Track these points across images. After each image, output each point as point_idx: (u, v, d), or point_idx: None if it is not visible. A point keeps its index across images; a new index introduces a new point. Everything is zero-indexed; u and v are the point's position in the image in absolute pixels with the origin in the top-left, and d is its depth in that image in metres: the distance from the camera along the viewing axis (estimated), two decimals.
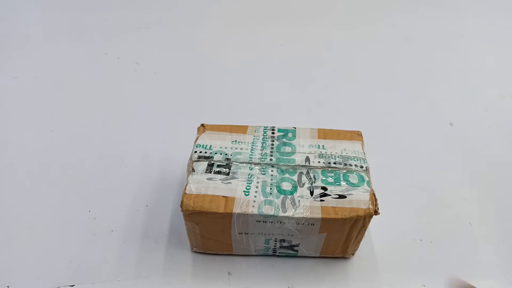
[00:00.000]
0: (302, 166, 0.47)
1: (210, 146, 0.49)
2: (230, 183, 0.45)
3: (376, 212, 0.44)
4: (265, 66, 0.80)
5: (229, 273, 0.49)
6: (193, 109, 0.70)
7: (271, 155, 0.48)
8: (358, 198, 0.44)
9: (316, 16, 0.93)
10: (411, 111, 0.71)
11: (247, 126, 0.51)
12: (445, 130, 0.68)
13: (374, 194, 0.45)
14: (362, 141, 0.51)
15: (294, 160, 0.47)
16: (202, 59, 0.80)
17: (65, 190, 0.58)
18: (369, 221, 0.44)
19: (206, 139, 0.49)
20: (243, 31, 0.88)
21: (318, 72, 0.79)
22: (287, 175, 0.46)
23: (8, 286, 0.48)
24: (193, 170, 0.46)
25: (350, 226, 0.44)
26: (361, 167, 0.47)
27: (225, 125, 0.51)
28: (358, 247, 0.49)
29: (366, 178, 0.46)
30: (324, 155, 0.48)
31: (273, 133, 0.51)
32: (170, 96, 0.73)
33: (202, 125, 0.51)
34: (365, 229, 0.46)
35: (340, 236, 0.46)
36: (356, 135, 0.51)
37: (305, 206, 0.43)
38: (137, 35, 0.86)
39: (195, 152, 0.48)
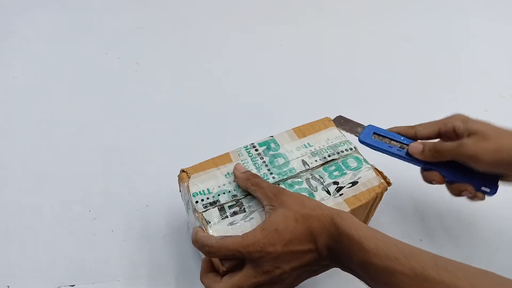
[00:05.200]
0: (304, 171, 0.46)
1: (208, 189, 0.44)
2: (253, 217, 0.41)
3: (389, 183, 0.45)
4: (265, 66, 0.80)
5: None
6: (193, 108, 0.70)
7: (271, 173, 0.46)
8: (368, 178, 0.46)
9: (316, 16, 0.93)
10: (411, 111, 0.71)
11: (228, 154, 0.47)
12: None
13: (376, 168, 0.47)
14: (334, 124, 0.52)
15: (294, 168, 0.46)
16: (202, 59, 0.80)
17: (65, 190, 0.58)
18: (383, 194, 0.46)
19: (198, 183, 0.44)
20: (243, 31, 0.88)
21: (318, 72, 0.79)
22: (297, 187, 0.45)
23: (8, 286, 0.48)
24: (208, 222, 0.41)
25: (371, 205, 0.46)
26: (351, 149, 0.48)
27: (207, 161, 0.46)
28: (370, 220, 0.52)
29: (361, 157, 0.48)
30: (315, 152, 0.48)
31: (256, 150, 0.48)
32: (170, 96, 0.73)
33: (183, 170, 0.45)
34: (379, 202, 0.48)
35: (362, 216, 0.48)
36: (328, 122, 0.52)
37: (330, 206, 0.42)
38: (137, 35, 0.86)
39: (197, 202, 0.42)
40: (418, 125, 0.49)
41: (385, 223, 0.54)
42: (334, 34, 0.88)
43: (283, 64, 0.80)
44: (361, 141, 0.50)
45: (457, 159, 0.44)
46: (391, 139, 0.50)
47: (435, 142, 0.46)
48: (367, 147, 0.50)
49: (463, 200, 0.57)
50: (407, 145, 0.48)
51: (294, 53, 0.83)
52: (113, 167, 0.61)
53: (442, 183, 0.47)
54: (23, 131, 0.66)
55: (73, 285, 0.48)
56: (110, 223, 0.54)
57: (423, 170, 0.48)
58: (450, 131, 0.46)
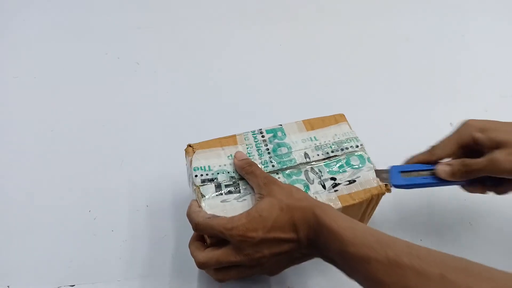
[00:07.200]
0: (304, 163, 0.47)
1: (209, 166, 0.46)
2: (245, 199, 0.43)
3: (388, 190, 0.45)
4: (265, 66, 0.80)
5: None
6: (193, 108, 0.70)
7: (271, 161, 0.47)
8: (366, 178, 0.46)
9: (316, 16, 0.93)
10: (411, 111, 0.71)
11: (234, 136, 0.49)
12: (445, 130, 0.67)
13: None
14: (347, 121, 0.51)
15: (295, 159, 0.47)
16: (202, 59, 0.80)
17: (65, 190, 0.58)
18: (381, 197, 0.46)
19: (201, 159, 0.47)
20: (243, 31, 0.88)
21: (318, 72, 0.79)
22: (294, 177, 0.46)
23: (8, 286, 0.48)
24: (203, 196, 0.44)
25: (366, 206, 0.46)
26: (357, 146, 0.49)
27: (213, 140, 0.48)
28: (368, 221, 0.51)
29: (365, 156, 0.48)
30: (319, 146, 0.48)
31: (263, 136, 0.49)
32: (170, 96, 0.73)
33: (189, 145, 0.48)
34: (377, 205, 0.48)
35: (356, 215, 0.47)
36: (339, 117, 0.52)
37: (322, 201, 0.43)
38: (137, 35, 0.86)
39: (196, 176, 0.45)
40: (435, 147, 0.47)
41: (385, 222, 0.54)
42: (334, 34, 0.88)
43: (283, 64, 0.80)
44: (396, 186, 0.46)
45: (490, 175, 0.43)
46: (419, 171, 0.47)
47: (462, 162, 0.44)
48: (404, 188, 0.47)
49: (463, 201, 0.58)
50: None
51: (294, 53, 0.83)
52: (113, 167, 0.61)
53: (486, 193, 0.47)
54: (23, 131, 0.66)
55: (73, 285, 0.48)
56: (110, 223, 0.54)
57: (463, 186, 0.46)
58: (470, 143, 0.45)
